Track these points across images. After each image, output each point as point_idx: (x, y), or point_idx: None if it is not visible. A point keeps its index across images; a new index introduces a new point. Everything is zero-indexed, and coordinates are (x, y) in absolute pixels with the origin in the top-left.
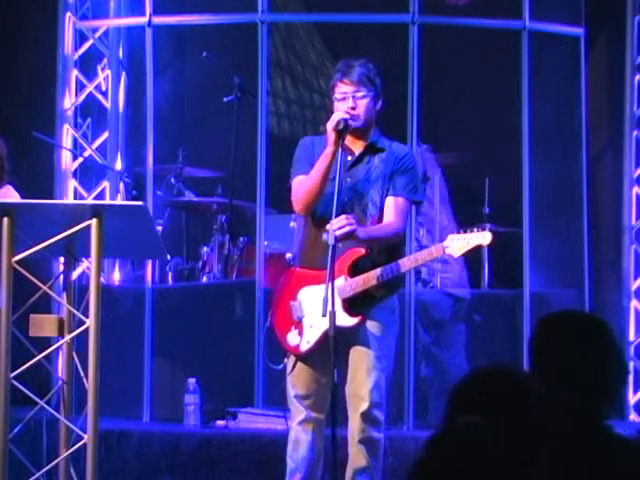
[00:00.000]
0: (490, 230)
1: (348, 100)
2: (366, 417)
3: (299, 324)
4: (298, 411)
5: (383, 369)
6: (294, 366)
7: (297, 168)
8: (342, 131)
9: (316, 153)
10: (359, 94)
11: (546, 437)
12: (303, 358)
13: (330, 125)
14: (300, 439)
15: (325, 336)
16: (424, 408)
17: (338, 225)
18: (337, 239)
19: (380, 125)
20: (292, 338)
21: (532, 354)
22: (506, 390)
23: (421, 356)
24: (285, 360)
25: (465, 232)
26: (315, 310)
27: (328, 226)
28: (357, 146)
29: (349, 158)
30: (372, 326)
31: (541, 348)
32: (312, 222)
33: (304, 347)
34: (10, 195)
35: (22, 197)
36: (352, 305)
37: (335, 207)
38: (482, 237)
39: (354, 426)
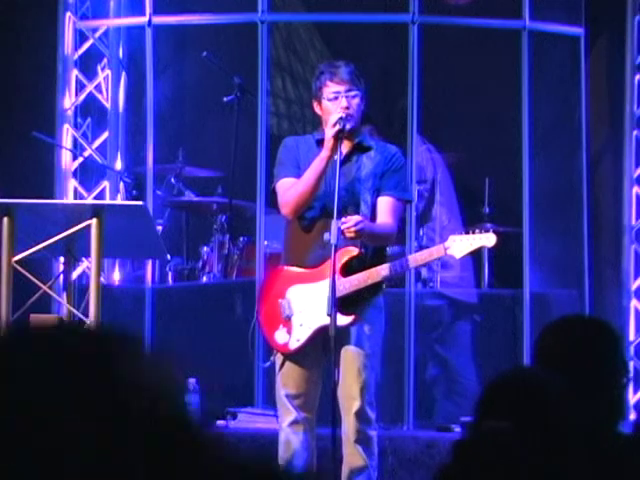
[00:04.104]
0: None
1: (341, 100)
2: (359, 416)
3: (287, 322)
4: (287, 412)
5: (373, 367)
6: (282, 364)
7: (281, 170)
8: (340, 132)
9: (301, 154)
10: (352, 93)
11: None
12: (292, 357)
13: (331, 132)
14: (291, 440)
15: (316, 334)
16: (430, 409)
17: (347, 227)
18: (346, 239)
19: (378, 125)
20: (280, 336)
21: (536, 358)
22: (532, 396)
23: (426, 357)
24: (272, 358)
25: (468, 233)
26: (305, 309)
27: (332, 225)
28: (344, 146)
29: (335, 157)
30: (361, 325)
31: (544, 352)
32: (299, 222)
33: (293, 345)
34: None
35: (20, 197)
36: (343, 304)
37: (336, 208)
38: (486, 238)
39: (348, 426)
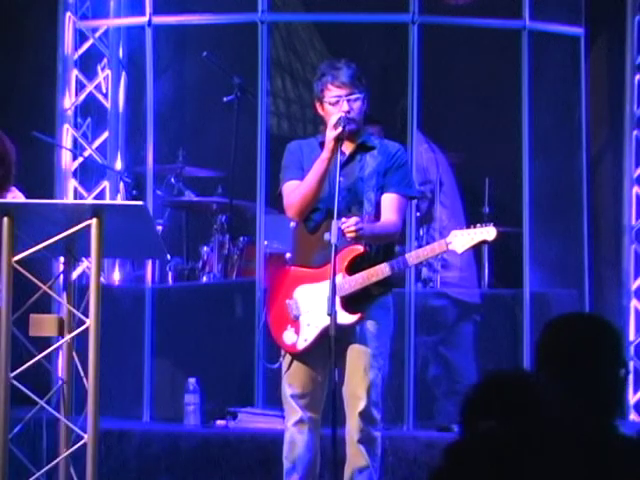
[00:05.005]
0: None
1: (342, 104)
2: (364, 416)
3: (295, 322)
4: (293, 411)
5: (380, 368)
6: (290, 365)
7: (287, 174)
8: (342, 132)
9: (304, 156)
10: (353, 96)
11: (557, 438)
12: (300, 357)
13: (332, 134)
14: (296, 440)
15: (323, 334)
16: (430, 409)
17: (347, 227)
18: (346, 240)
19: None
20: (288, 337)
21: (537, 356)
22: (519, 394)
23: (427, 357)
24: (280, 359)
25: (469, 227)
26: (312, 308)
27: (333, 225)
28: (347, 146)
29: (339, 158)
30: (369, 324)
31: (545, 350)
32: (306, 223)
33: (301, 345)
34: (18, 198)
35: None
36: (349, 303)
37: (336, 208)
38: (487, 232)
39: (352, 426)
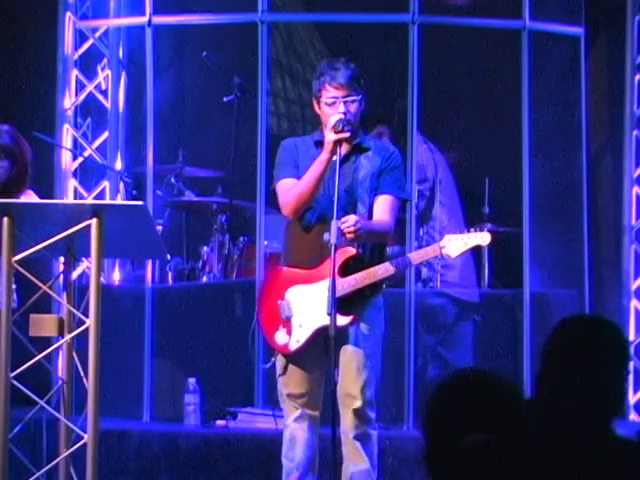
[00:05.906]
0: (490, 230)
1: (339, 105)
2: (358, 415)
3: (287, 323)
4: (292, 408)
5: (373, 367)
6: (285, 366)
7: (281, 171)
8: (344, 136)
9: (299, 154)
10: (350, 98)
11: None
12: (292, 357)
13: (333, 137)
14: (297, 437)
15: (315, 335)
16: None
17: (347, 227)
18: (346, 240)
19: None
20: (280, 337)
21: (542, 359)
22: (498, 398)
23: (428, 357)
24: (272, 359)
25: (462, 231)
26: (305, 309)
27: (332, 225)
28: (343, 147)
29: (334, 158)
30: (361, 325)
31: (550, 353)
32: (299, 223)
33: (293, 346)
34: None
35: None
36: (342, 305)
37: (335, 208)
38: (481, 237)
39: (347, 425)
